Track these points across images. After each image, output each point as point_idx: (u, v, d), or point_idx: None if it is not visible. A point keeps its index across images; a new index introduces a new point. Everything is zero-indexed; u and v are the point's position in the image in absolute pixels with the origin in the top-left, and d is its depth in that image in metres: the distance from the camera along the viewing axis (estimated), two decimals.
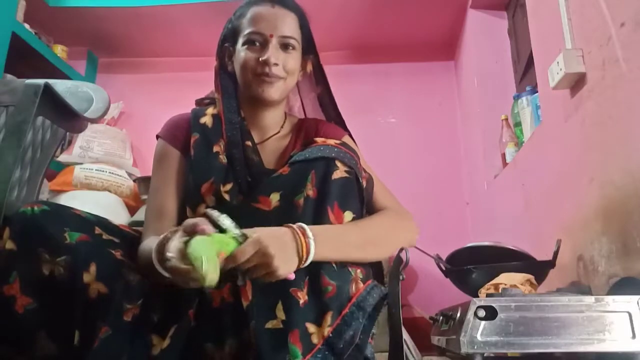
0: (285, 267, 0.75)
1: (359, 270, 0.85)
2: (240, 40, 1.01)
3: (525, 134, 1.80)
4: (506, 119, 1.98)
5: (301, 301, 0.77)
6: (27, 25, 2.10)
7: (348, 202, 0.85)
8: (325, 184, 0.83)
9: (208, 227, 0.72)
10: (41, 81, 1.06)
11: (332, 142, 0.90)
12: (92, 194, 2.12)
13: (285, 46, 0.99)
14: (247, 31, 0.99)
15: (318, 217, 0.82)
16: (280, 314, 0.76)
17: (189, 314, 0.80)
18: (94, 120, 1.21)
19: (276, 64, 0.97)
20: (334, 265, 0.82)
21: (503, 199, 1.96)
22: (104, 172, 2.19)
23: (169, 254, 0.69)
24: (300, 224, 0.79)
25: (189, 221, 0.74)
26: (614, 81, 1.10)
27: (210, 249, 0.70)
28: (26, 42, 2.04)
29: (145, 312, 0.80)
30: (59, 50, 2.41)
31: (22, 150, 1.02)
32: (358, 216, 0.87)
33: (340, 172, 0.85)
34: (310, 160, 0.86)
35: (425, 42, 2.64)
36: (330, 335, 0.76)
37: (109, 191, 2.18)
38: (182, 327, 0.79)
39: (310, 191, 0.83)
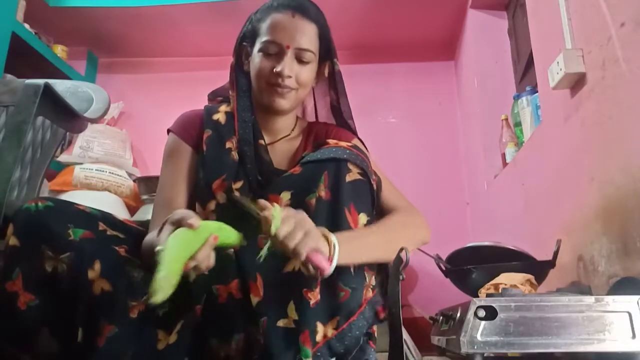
0: (319, 236, 0.74)
1: (373, 277, 0.86)
2: (257, 46, 1.00)
3: (525, 134, 1.80)
4: (506, 119, 1.98)
5: (312, 301, 0.77)
6: (27, 25, 2.10)
7: (362, 204, 0.86)
8: (338, 185, 0.83)
9: (195, 221, 0.70)
10: (41, 81, 1.06)
11: (344, 144, 0.90)
12: (92, 194, 2.12)
13: (300, 58, 0.99)
14: (264, 38, 0.98)
15: (334, 219, 0.82)
16: (292, 314, 0.77)
17: (195, 309, 0.80)
18: (94, 120, 1.22)
19: (289, 77, 0.97)
20: (351, 270, 0.82)
21: (503, 199, 1.96)
22: (104, 172, 2.19)
23: (159, 247, 0.68)
24: (322, 228, 0.78)
25: (177, 213, 0.73)
26: (614, 81, 1.10)
27: (180, 253, 0.68)
28: (26, 42, 2.04)
29: (151, 308, 0.80)
30: (59, 50, 2.41)
31: (22, 150, 1.02)
32: (371, 218, 0.87)
33: (353, 175, 0.85)
34: (322, 161, 0.86)
35: (425, 42, 2.64)
36: (334, 337, 0.77)
37: (109, 191, 2.18)
38: (189, 322, 0.79)
39: (322, 192, 0.83)
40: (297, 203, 0.84)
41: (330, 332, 0.77)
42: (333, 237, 0.77)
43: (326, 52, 1.06)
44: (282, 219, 0.72)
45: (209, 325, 0.80)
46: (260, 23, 1.01)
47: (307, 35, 0.99)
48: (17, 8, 2.05)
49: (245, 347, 0.79)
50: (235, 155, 0.98)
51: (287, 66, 0.96)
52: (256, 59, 1.00)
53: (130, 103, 2.66)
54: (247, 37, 1.04)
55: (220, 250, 0.85)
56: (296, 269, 0.79)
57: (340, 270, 0.79)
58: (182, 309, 0.80)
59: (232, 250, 0.86)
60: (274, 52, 0.98)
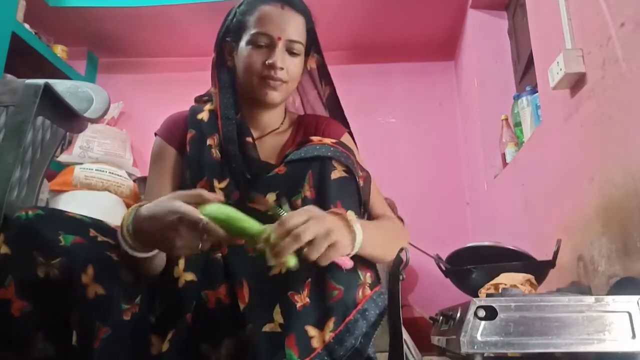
0: (345, 242, 0.73)
1: (368, 275, 0.83)
2: (245, 39, 0.99)
3: (525, 134, 1.80)
4: (506, 119, 1.98)
5: (299, 304, 0.75)
6: (27, 25, 2.10)
7: (349, 201, 0.84)
8: (323, 184, 0.82)
9: (216, 196, 0.73)
10: (41, 81, 1.06)
11: (328, 141, 0.88)
12: (92, 194, 2.12)
13: (291, 50, 0.98)
14: (253, 31, 0.97)
15: None
16: (278, 317, 0.75)
17: (186, 317, 0.80)
18: (94, 120, 1.21)
19: (282, 68, 0.96)
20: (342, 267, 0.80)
21: (503, 199, 1.96)
22: (104, 172, 2.19)
23: (204, 218, 0.69)
24: (348, 213, 0.78)
25: (192, 192, 0.74)
26: (614, 81, 1.10)
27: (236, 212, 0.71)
28: (26, 42, 2.04)
29: (144, 312, 0.80)
30: (59, 50, 2.41)
31: (22, 150, 1.02)
32: (358, 216, 0.85)
33: (338, 172, 0.84)
34: (306, 160, 0.85)
35: (425, 42, 2.64)
36: (332, 341, 0.75)
37: (109, 191, 2.18)
38: (180, 330, 0.79)
39: (307, 192, 0.82)
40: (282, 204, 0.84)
41: (328, 335, 0.75)
42: (357, 230, 0.76)
43: (310, 45, 1.05)
44: (303, 226, 0.69)
45: (199, 331, 0.80)
46: (247, 16, 1.00)
47: (296, 27, 0.99)
48: (17, 8, 2.05)
49: (234, 353, 0.78)
50: (215, 152, 0.97)
51: (280, 58, 0.96)
52: (245, 52, 0.98)
53: (130, 103, 2.66)
54: (231, 32, 1.03)
55: (208, 253, 0.85)
56: (283, 272, 0.77)
57: (330, 268, 0.78)
58: (173, 316, 0.80)
59: (220, 255, 0.85)
60: (264, 44, 0.97)
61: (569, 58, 1.24)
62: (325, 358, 0.75)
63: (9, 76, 1.79)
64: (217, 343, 0.79)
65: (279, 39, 0.96)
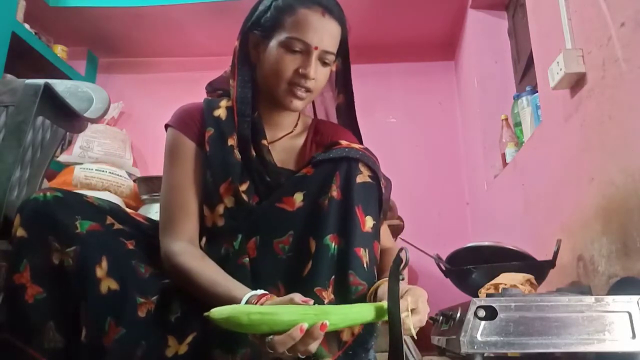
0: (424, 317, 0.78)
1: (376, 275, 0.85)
2: (278, 39, 0.92)
3: (525, 134, 1.80)
4: (506, 119, 1.98)
5: (326, 301, 0.77)
6: (27, 25, 2.10)
7: (370, 207, 0.85)
8: (349, 186, 0.83)
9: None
10: (41, 81, 1.06)
11: (357, 145, 0.89)
12: (92, 194, 2.12)
13: (323, 60, 0.94)
14: (290, 35, 0.91)
15: (345, 218, 0.82)
16: None
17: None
18: (94, 120, 1.21)
19: (313, 79, 0.92)
20: (364, 266, 0.81)
21: (503, 199, 1.96)
22: (104, 172, 2.19)
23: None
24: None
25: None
26: (614, 81, 1.10)
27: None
28: (26, 42, 2.05)
29: (160, 310, 0.80)
30: (59, 50, 2.41)
31: (22, 150, 1.02)
32: (377, 222, 0.86)
33: (363, 177, 0.84)
34: (335, 161, 0.85)
35: (425, 42, 2.64)
36: (362, 332, 0.77)
37: (109, 191, 2.18)
38: (200, 335, 0.79)
39: (334, 192, 0.83)
40: (309, 204, 0.84)
41: (357, 328, 0.77)
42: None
43: (338, 53, 1.01)
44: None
45: (214, 335, 0.80)
46: (284, 15, 0.93)
47: (334, 38, 0.94)
48: (17, 8, 2.05)
49: None
50: (237, 154, 0.94)
51: (314, 68, 0.91)
52: (276, 53, 0.92)
53: (130, 103, 2.66)
54: (262, 26, 0.95)
55: (235, 260, 0.85)
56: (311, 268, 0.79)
57: (353, 265, 0.79)
58: (195, 319, 0.79)
59: (247, 259, 0.85)
60: (299, 50, 0.91)
61: (569, 58, 1.24)
62: (357, 349, 0.76)
63: (9, 76, 1.79)
64: (232, 350, 0.79)
65: (316, 48, 0.91)
